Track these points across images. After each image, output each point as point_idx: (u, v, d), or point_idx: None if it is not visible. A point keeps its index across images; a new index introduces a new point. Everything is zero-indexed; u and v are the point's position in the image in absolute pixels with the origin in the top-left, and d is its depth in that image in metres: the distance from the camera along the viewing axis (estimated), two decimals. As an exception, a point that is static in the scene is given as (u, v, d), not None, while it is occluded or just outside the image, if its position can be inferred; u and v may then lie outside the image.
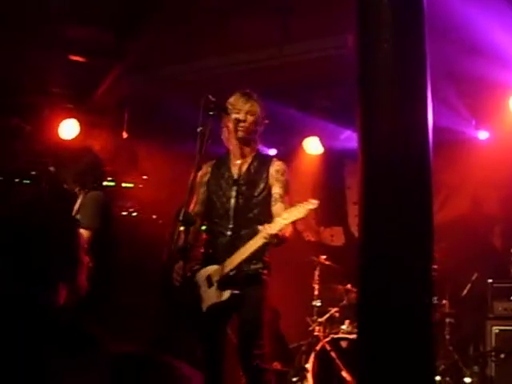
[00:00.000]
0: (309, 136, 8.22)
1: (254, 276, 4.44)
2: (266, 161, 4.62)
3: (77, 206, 5.60)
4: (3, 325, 2.25)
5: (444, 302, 6.83)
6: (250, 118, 4.52)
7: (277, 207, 4.41)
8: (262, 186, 4.51)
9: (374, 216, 2.76)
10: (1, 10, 6.12)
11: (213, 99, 4.22)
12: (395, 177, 2.74)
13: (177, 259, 4.38)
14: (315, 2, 5.91)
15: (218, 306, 4.42)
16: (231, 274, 4.36)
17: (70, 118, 7.75)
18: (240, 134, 4.52)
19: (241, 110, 4.51)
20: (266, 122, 4.64)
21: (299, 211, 4.12)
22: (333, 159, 8.41)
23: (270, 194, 4.49)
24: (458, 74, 6.59)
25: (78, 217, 5.38)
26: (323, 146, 8.22)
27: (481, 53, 6.09)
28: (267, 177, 4.52)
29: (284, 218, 4.12)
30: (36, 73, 7.07)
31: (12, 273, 2.39)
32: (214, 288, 4.42)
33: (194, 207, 4.68)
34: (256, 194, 4.50)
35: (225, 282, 4.38)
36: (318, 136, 8.17)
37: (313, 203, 4.12)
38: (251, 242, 4.27)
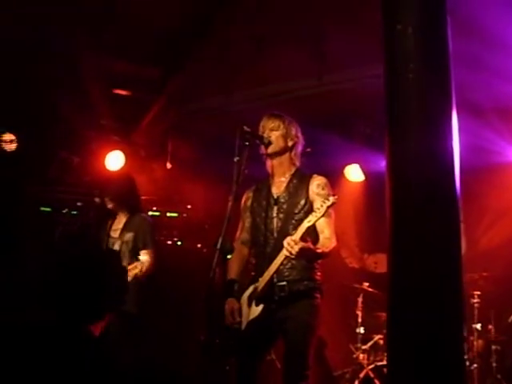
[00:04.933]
0: (350, 163, 8.26)
1: (302, 297, 4.33)
2: (306, 177, 4.52)
3: (120, 226, 5.85)
4: (47, 357, 2.32)
5: (490, 327, 6.73)
6: (274, 134, 4.50)
7: (319, 222, 4.22)
8: (302, 202, 4.41)
9: (402, 243, 2.80)
10: (50, 46, 6.35)
11: (248, 129, 4.29)
12: (422, 201, 2.77)
13: (225, 295, 4.43)
14: (352, 30, 5.97)
15: (254, 324, 4.35)
16: (271, 291, 4.31)
17: (115, 149, 7.94)
18: (269, 150, 4.50)
19: (265, 128, 4.53)
20: (296, 137, 4.56)
21: (320, 211, 4.05)
22: (374, 186, 8.39)
23: (312, 210, 4.27)
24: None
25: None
26: (364, 172, 8.23)
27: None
28: (307, 192, 4.43)
29: (308, 221, 4.06)
30: (84, 106, 7.27)
31: (59, 304, 2.46)
32: (252, 306, 4.38)
33: (240, 234, 4.72)
34: (297, 210, 4.40)
35: (261, 298, 4.33)
36: (359, 163, 8.19)
37: (330, 199, 4.05)
38: (280, 254, 4.17)
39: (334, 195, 4.15)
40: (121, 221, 5.94)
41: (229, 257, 4.30)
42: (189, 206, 8.42)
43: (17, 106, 7.05)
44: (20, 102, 7.00)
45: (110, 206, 5.98)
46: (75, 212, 7.49)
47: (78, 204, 7.06)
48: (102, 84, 7.13)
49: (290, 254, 4.01)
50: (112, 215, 6.02)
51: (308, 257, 4.24)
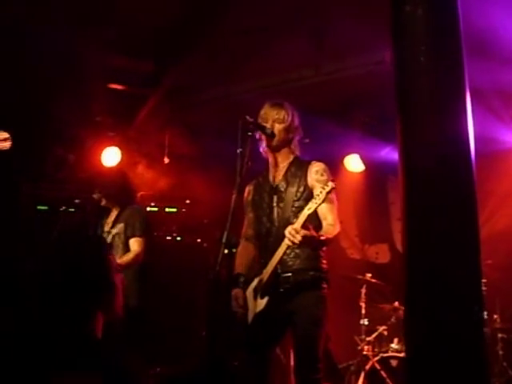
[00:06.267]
0: (349, 153, 8.18)
1: (309, 288, 4.25)
2: (304, 164, 4.44)
3: (111, 219, 5.92)
4: (45, 358, 2.26)
5: (495, 316, 6.68)
6: (277, 127, 4.40)
7: (320, 208, 4.10)
8: (301, 189, 4.33)
9: (417, 231, 2.72)
10: (43, 42, 6.26)
11: (250, 120, 4.21)
12: (437, 189, 2.69)
13: (232, 286, 4.35)
14: (350, 19, 5.89)
15: (260, 317, 4.27)
16: (275, 282, 4.23)
17: (112, 145, 7.86)
18: (272, 142, 4.41)
19: (268, 118, 4.42)
20: (297, 128, 4.48)
21: (319, 197, 3.95)
22: (375, 175, 8.34)
23: (312, 197, 4.16)
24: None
25: (128, 228, 5.80)
26: (364, 162, 8.16)
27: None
28: (305, 179, 4.35)
29: (308, 208, 3.95)
30: (78, 103, 7.18)
31: (56, 304, 2.41)
32: (257, 299, 4.31)
33: (245, 231, 4.65)
34: (296, 198, 4.32)
35: (266, 290, 4.25)
36: (359, 153, 8.12)
37: (329, 185, 3.96)
38: (282, 244, 4.09)
39: (332, 180, 4.06)
40: (113, 215, 5.97)
41: (234, 250, 4.24)
42: (187, 201, 8.34)
43: (11, 103, 6.95)
44: (14, 100, 6.90)
45: (103, 203, 5.99)
46: (73, 209, 7.40)
47: (76, 201, 6.97)
48: (96, 80, 7.03)
49: (293, 243, 3.92)
50: (106, 211, 6.04)
51: (312, 244, 4.12)
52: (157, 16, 6.13)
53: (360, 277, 7.18)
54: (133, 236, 5.78)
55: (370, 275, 7.18)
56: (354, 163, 8.23)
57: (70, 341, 2.32)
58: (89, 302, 2.45)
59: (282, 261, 4.23)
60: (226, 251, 3.91)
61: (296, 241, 3.89)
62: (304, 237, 3.90)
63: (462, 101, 2.76)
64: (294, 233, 3.90)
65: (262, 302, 4.28)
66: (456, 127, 2.72)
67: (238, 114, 4.24)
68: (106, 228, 5.92)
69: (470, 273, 2.69)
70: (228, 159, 4.40)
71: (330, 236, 4.17)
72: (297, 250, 4.26)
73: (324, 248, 4.37)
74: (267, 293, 4.27)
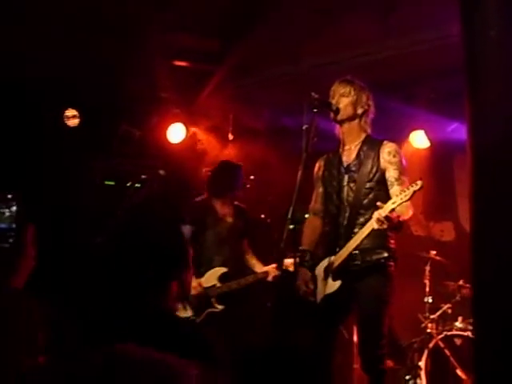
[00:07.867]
0: (415, 129, 8.06)
1: (376, 267, 4.31)
2: (376, 144, 4.46)
3: (227, 211, 6.23)
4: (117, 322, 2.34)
5: None
6: (343, 101, 4.44)
7: (393, 191, 4.23)
8: (374, 169, 4.36)
9: (485, 209, 2.69)
10: (109, 20, 6.35)
11: (316, 96, 4.22)
12: (506, 168, 2.65)
13: (296, 265, 4.41)
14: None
15: (331, 298, 4.32)
16: (346, 263, 4.28)
17: (177, 122, 7.93)
18: (337, 117, 4.45)
19: (334, 95, 4.46)
20: (366, 103, 4.51)
21: (406, 194, 3.99)
22: (440, 152, 8.19)
23: (384, 178, 4.32)
24: None
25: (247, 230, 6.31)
26: (430, 139, 8.02)
27: None
28: (378, 160, 4.37)
29: (393, 202, 3.99)
30: (144, 79, 7.28)
31: (125, 274, 2.48)
32: (328, 280, 4.35)
33: (314, 205, 4.70)
34: (368, 178, 4.35)
35: (338, 273, 4.30)
36: (425, 129, 7.98)
37: (418, 184, 4.00)
38: (363, 229, 4.16)
39: (420, 179, 4.07)
40: (224, 206, 6.22)
41: (298, 227, 4.27)
42: (252, 177, 8.36)
43: (79, 82, 7.10)
44: (83, 78, 7.04)
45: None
46: (139, 185, 7.52)
47: (142, 177, 7.10)
48: (162, 56, 7.10)
49: (381, 225, 3.97)
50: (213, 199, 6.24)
51: (393, 225, 4.11)
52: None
53: (424, 254, 7.12)
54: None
55: (434, 252, 7.11)
56: (419, 139, 8.09)
57: (145, 312, 2.39)
58: (169, 276, 2.51)
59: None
60: (291, 227, 3.96)
61: (384, 226, 3.95)
62: (390, 221, 3.95)
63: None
64: (382, 219, 3.95)
65: (335, 285, 4.31)
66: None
67: (305, 90, 4.25)
68: (225, 218, 6.19)
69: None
70: (293, 135, 4.42)
71: (405, 217, 4.19)
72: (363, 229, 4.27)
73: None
74: (339, 276, 4.30)
